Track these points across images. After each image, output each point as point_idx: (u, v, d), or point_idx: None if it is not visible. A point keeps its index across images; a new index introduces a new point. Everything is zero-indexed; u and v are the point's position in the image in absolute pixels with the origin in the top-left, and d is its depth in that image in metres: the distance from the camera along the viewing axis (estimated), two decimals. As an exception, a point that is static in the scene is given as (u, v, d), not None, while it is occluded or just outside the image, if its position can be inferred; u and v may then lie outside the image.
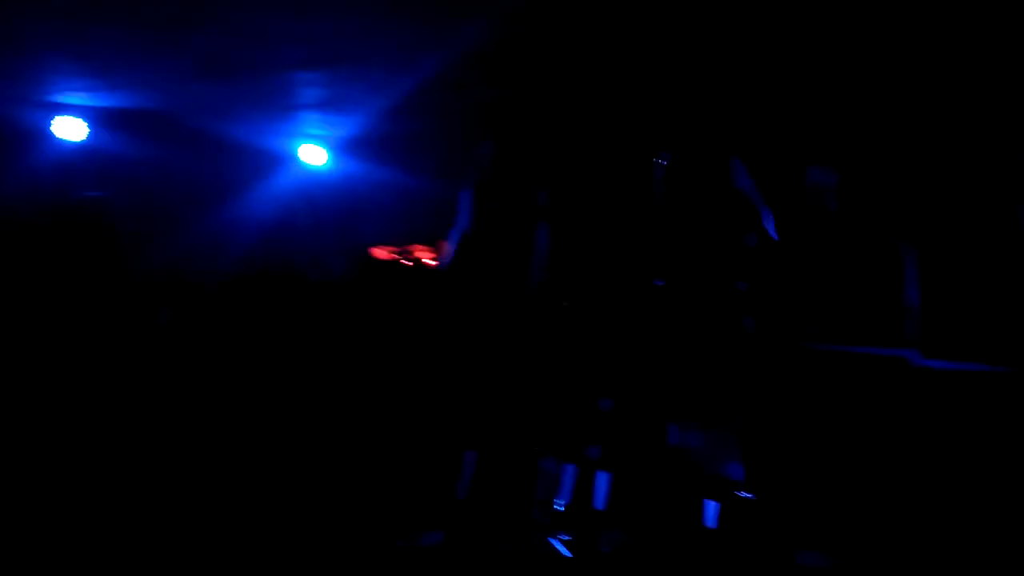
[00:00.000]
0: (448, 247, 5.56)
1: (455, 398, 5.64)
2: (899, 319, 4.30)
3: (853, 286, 4.42)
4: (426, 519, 3.85)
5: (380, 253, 6.99)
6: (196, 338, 6.14)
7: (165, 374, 5.79)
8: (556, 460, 4.01)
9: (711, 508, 3.91)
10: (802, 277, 4.57)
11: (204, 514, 4.13)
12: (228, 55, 4.95)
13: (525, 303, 5.35)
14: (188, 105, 6.23)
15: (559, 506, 3.87)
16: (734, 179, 4.96)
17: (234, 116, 6.58)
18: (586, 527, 3.72)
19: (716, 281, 5.05)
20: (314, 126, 7.04)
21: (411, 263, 6.76)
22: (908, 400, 4.03)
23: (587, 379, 5.78)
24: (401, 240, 7.13)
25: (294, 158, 7.36)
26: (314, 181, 7.17)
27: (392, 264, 6.92)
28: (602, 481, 4.10)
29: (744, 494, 3.96)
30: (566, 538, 3.55)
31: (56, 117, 6.08)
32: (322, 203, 6.15)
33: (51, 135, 6.13)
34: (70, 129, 6.15)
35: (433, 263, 5.72)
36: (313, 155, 7.31)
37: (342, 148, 7.40)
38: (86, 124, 6.18)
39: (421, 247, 6.74)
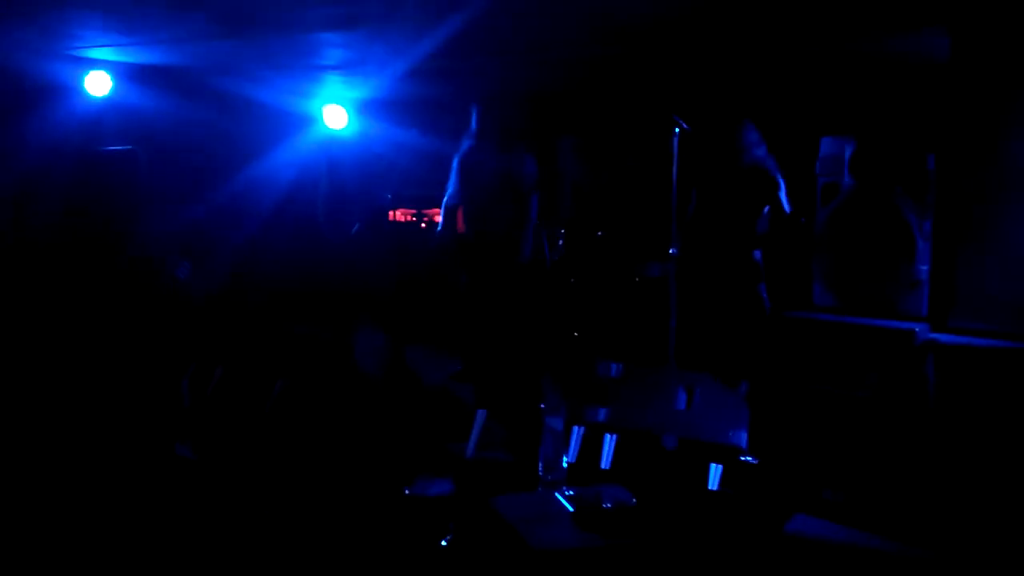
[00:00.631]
0: (440, 214, 5.62)
1: (466, 357, 5.75)
2: (908, 291, 4.32)
3: (864, 257, 4.44)
4: (435, 472, 3.95)
5: (397, 215, 7.07)
6: (215, 293, 6.23)
7: (184, 329, 5.89)
8: (564, 420, 4.09)
9: (714, 471, 3.98)
10: (814, 247, 4.60)
11: (214, 465, 4.25)
12: (253, 14, 4.98)
13: (523, 267, 5.40)
14: (212, 63, 6.28)
15: (565, 464, 3.96)
16: (749, 148, 4.98)
17: (257, 76, 6.62)
18: (590, 485, 3.81)
19: (730, 250, 5.10)
20: (336, 87, 7.08)
21: (427, 225, 6.84)
22: (915, 372, 4.06)
23: (595, 342, 5.86)
24: (418, 203, 7.20)
25: (316, 119, 7.41)
26: (334, 142, 7.22)
27: (409, 226, 7.00)
28: (609, 442, 4.18)
29: (748, 459, 4.02)
30: (570, 493, 3.63)
31: (88, 72, 6.15)
32: (342, 164, 6.21)
33: (78, 89, 6.20)
34: (96, 84, 6.21)
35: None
36: (335, 117, 7.36)
37: (363, 110, 7.44)
38: (112, 79, 6.24)
39: (438, 210, 6.80)
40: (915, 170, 4.32)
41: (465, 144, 5.65)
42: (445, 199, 5.67)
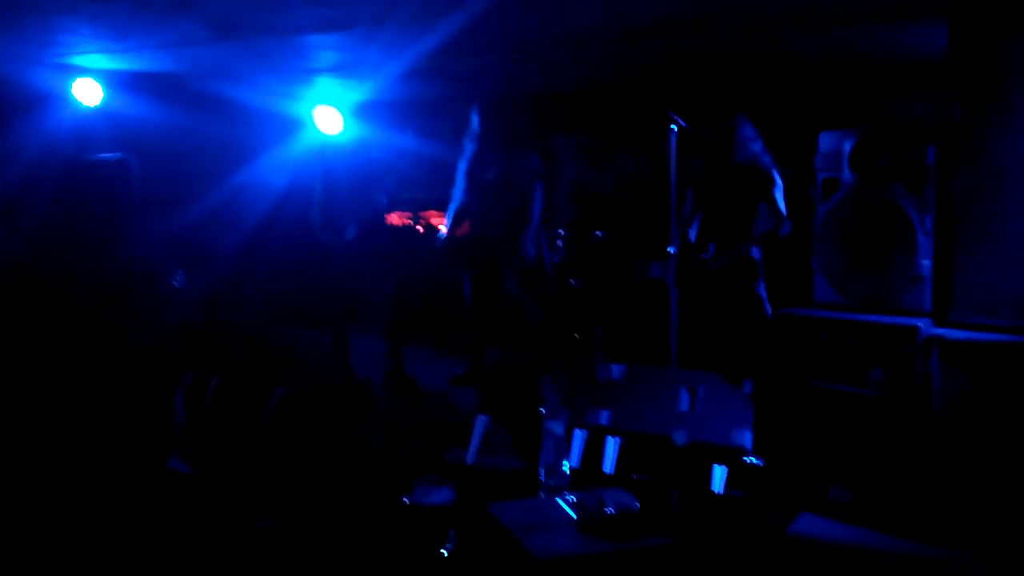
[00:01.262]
0: (445, 221, 5.59)
1: (465, 362, 5.72)
2: (911, 286, 4.28)
3: (865, 254, 4.40)
4: (435, 479, 3.90)
5: (394, 219, 7.03)
6: (210, 300, 6.20)
7: (179, 339, 5.85)
8: (565, 424, 4.05)
9: (719, 473, 3.94)
10: (814, 244, 4.55)
11: (212, 472, 4.21)
12: (243, 18, 4.95)
13: (525, 269, 5.38)
14: (204, 69, 6.25)
15: (567, 468, 3.91)
16: (743, 143, 4.95)
17: (249, 80, 6.59)
18: (593, 489, 3.76)
19: (730, 248, 5.06)
20: (329, 90, 7.04)
21: (424, 229, 6.80)
22: (919, 368, 4.02)
23: (596, 344, 5.82)
24: (415, 206, 7.16)
25: (309, 122, 7.37)
26: (328, 145, 7.18)
27: (406, 229, 6.96)
28: (611, 445, 4.14)
29: (752, 459, 3.98)
30: (572, 499, 3.58)
31: (75, 80, 6.11)
32: (337, 168, 6.18)
33: (68, 98, 6.16)
34: (87, 92, 6.17)
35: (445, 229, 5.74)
36: (329, 120, 7.32)
37: (357, 113, 7.40)
38: (102, 87, 6.20)
39: (435, 213, 6.76)
40: (915, 164, 4.27)
41: (468, 147, 5.62)
42: (452, 204, 5.65)
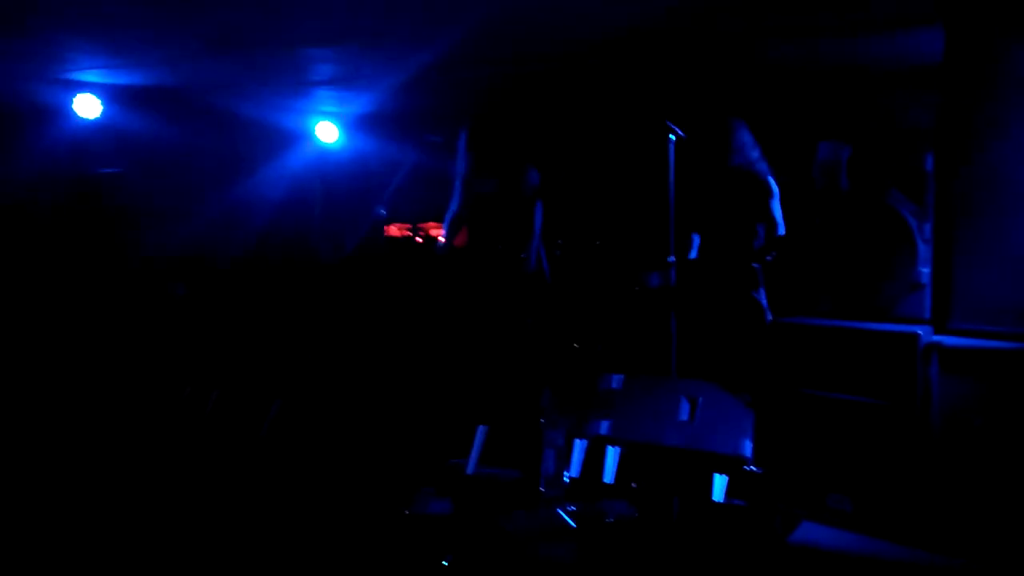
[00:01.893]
0: (443, 232, 5.60)
1: (464, 374, 5.71)
2: (910, 294, 4.28)
3: (864, 261, 4.40)
4: (436, 490, 3.90)
5: (393, 230, 7.04)
6: (210, 312, 6.20)
7: (178, 348, 5.85)
8: (565, 434, 4.04)
9: (719, 482, 3.93)
10: (813, 252, 4.55)
11: (216, 486, 4.20)
12: (241, 32, 4.96)
13: (525, 281, 5.38)
14: (202, 82, 6.26)
15: (567, 479, 3.91)
16: (740, 150, 4.96)
17: (248, 93, 6.61)
18: (593, 499, 3.75)
19: (728, 257, 5.07)
20: (327, 103, 7.06)
21: (423, 240, 6.80)
22: (919, 375, 4.01)
23: (596, 354, 5.82)
24: (414, 218, 7.17)
25: (307, 135, 7.39)
26: (327, 158, 7.22)
27: (405, 241, 6.96)
28: (611, 455, 4.13)
29: (752, 468, 3.97)
30: (572, 509, 3.58)
31: (76, 95, 6.13)
32: (335, 180, 6.19)
33: (67, 113, 6.18)
34: (86, 106, 6.20)
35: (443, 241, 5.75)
36: (326, 132, 7.34)
37: (355, 125, 7.42)
38: (101, 101, 6.22)
39: (434, 224, 6.77)
40: (913, 172, 4.28)
41: (466, 158, 5.62)
42: (448, 213, 5.65)
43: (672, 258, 4.94)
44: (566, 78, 6.13)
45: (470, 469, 4.21)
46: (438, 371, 5.62)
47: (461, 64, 5.56)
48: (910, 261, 4.27)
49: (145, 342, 5.84)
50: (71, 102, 6.14)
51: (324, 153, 7.24)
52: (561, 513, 3.58)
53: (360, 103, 6.82)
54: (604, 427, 4.27)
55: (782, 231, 4.91)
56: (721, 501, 3.85)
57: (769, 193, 4.94)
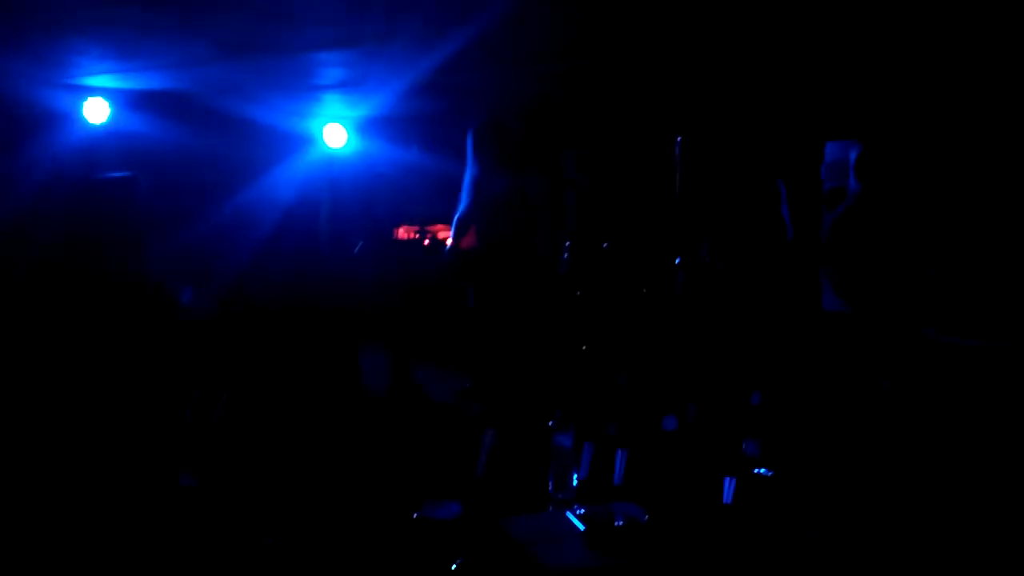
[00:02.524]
0: (450, 234, 5.60)
1: (475, 376, 5.72)
2: (917, 296, 4.28)
3: (872, 261, 4.41)
4: (444, 493, 3.90)
5: (400, 233, 7.05)
6: (218, 317, 6.21)
7: (188, 355, 5.87)
8: (573, 437, 4.04)
9: (728, 484, 3.93)
10: (819, 253, 4.56)
11: (222, 490, 4.22)
12: (251, 37, 4.99)
13: (533, 283, 5.38)
14: (211, 86, 6.30)
15: (575, 481, 3.90)
16: (748, 153, 4.97)
17: (256, 97, 6.64)
18: (601, 502, 3.75)
19: (736, 259, 5.07)
20: (336, 107, 7.09)
21: (430, 242, 6.82)
22: (926, 377, 4.02)
23: (604, 357, 5.82)
24: (421, 220, 7.18)
25: (316, 138, 7.41)
26: (335, 161, 7.24)
27: (413, 243, 6.98)
28: (619, 457, 4.13)
29: (761, 470, 3.97)
30: (581, 511, 3.58)
31: (85, 99, 6.17)
32: (343, 183, 6.21)
33: (77, 117, 6.22)
34: (95, 111, 6.23)
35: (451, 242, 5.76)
36: (335, 135, 7.36)
37: (363, 128, 7.45)
38: (110, 106, 6.26)
39: (442, 226, 6.78)
40: (920, 172, 4.29)
41: (475, 161, 5.62)
42: (456, 215, 5.66)
43: (679, 259, 4.95)
44: (574, 80, 6.14)
45: (478, 472, 4.22)
46: (448, 373, 5.63)
47: (467, 67, 5.57)
48: (916, 261, 4.28)
49: (152, 346, 5.86)
50: (80, 107, 6.17)
51: (332, 156, 7.26)
52: (570, 516, 3.58)
53: (369, 106, 6.84)
54: (612, 429, 4.28)
55: (790, 233, 4.91)
56: (730, 503, 3.86)
57: (777, 193, 4.94)
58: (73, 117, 6.21)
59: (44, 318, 5.75)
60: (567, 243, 6.29)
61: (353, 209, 6.06)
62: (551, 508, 3.71)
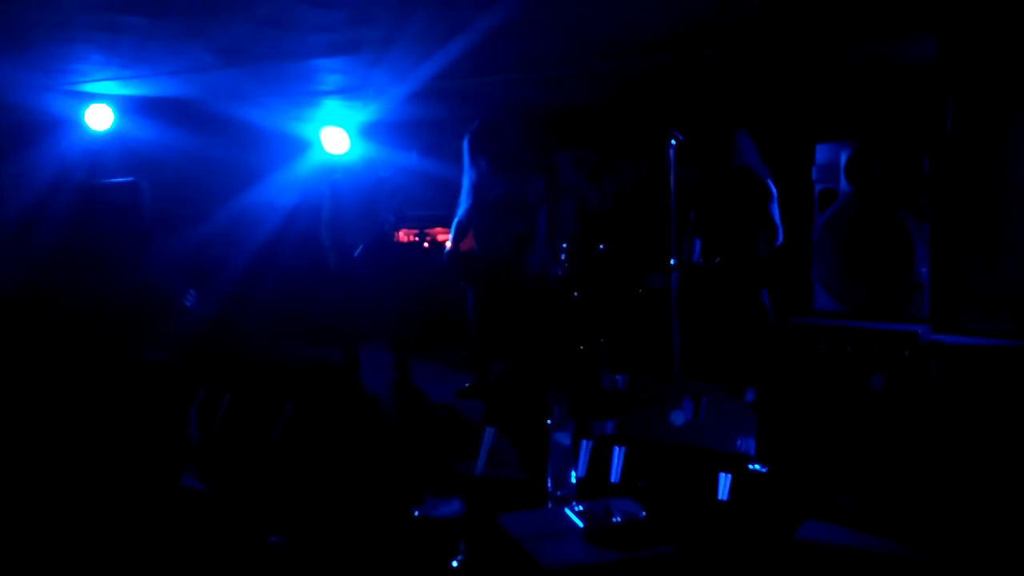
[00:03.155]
0: (450, 237, 5.66)
1: (472, 375, 5.77)
2: (909, 294, 4.34)
3: (864, 262, 4.46)
4: (444, 491, 3.96)
5: (401, 236, 7.11)
6: (221, 319, 6.26)
7: (191, 357, 5.91)
8: (572, 435, 4.10)
9: (724, 480, 3.99)
10: (813, 254, 4.61)
11: (225, 487, 4.26)
12: (252, 44, 5.04)
13: (530, 284, 5.43)
14: (212, 92, 6.34)
15: (573, 479, 3.96)
16: (740, 154, 5.01)
17: (258, 103, 6.69)
18: (599, 499, 3.81)
19: (730, 259, 5.12)
20: (336, 112, 7.14)
21: (430, 245, 6.88)
22: (919, 374, 4.07)
23: (600, 356, 5.87)
24: (421, 223, 7.25)
25: (316, 143, 7.46)
26: (337, 165, 7.29)
27: (413, 246, 7.04)
28: (617, 455, 4.19)
29: (756, 467, 4.02)
30: (579, 508, 3.64)
31: (88, 106, 6.21)
32: (344, 186, 6.27)
33: (80, 123, 6.26)
34: (99, 117, 6.28)
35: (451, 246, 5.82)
36: (335, 140, 7.41)
37: (363, 133, 7.50)
38: (113, 112, 6.31)
39: (441, 229, 6.84)
40: (911, 173, 4.34)
41: (473, 165, 5.68)
42: (456, 218, 5.72)
43: (674, 260, 5.00)
44: (570, 84, 6.20)
45: (478, 470, 4.28)
46: (445, 373, 5.68)
47: (466, 73, 5.63)
48: (909, 261, 4.33)
49: (155, 350, 5.90)
50: (83, 113, 6.22)
51: (333, 161, 7.32)
52: (568, 513, 3.64)
53: (369, 111, 6.89)
54: (609, 427, 4.33)
55: (781, 234, 4.97)
56: (726, 499, 3.91)
57: (769, 196, 5.00)
58: (76, 123, 6.25)
59: (46, 322, 5.81)
60: (563, 245, 6.34)
61: (354, 212, 6.11)
62: (550, 505, 3.78)
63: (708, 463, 4.01)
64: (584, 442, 4.23)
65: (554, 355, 5.80)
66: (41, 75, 5.71)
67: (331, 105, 6.86)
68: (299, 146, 7.53)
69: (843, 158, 4.50)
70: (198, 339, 6.23)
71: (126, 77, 5.80)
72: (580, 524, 3.51)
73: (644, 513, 3.63)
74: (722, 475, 3.94)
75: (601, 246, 6.35)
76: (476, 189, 5.63)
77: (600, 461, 4.18)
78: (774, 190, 5.01)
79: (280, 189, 7.39)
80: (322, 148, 7.40)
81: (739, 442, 4.07)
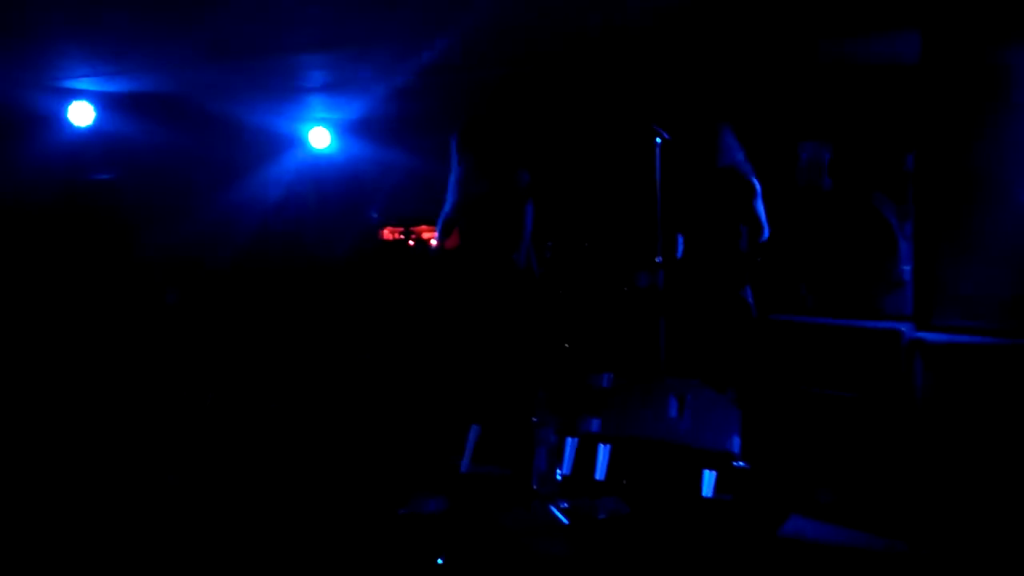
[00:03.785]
0: (436, 233, 5.65)
1: (458, 374, 5.76)
2: (892, 291, 4.36)
3: (847, 260, 4.48)
4: (430, 489, 3.96)
5: (386, 234, 7.09)
6: (203, 318, 6.23)
7: (172, 354, 5.88)
8: (557, 432, 4.11)
9: (708, 477, 4.00)
10: (797, 251, 4.63)
11: (212, 487, 4.25)
12: (235, 39, 5.00)
13: (516, 282, 5.43)
14: (196, 88, 6.29)
15: (559, 476, 3.97)
16: (725, 152, 5.03)
17: (241, 99, 6.64)
18: (584, 496, 3.82)
19: (714, 256, 5.14)
20: (320, 109, 7.10)
21: (415, 243, 6.86)
22: (901, 371, 4.09)
23: (586, 353, 5.88)
24: (406, 221, 7.22)
25: (300, 140, 7.43)
26: (320, 163, 7.26)
27: (397, 244, 7.02)
28: (602, 452, 4.20)
29: (740, 463, 4.04)
30: (565, 506, 3.65)
31: (70, 102, 6.15)
32: (328, 184, 6.24)
33: (61, 120, 6.20)
34: (79, 114, 6.22)
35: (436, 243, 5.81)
36: (319, 137, 7.39)
37: (347, 130, 7.47)
38: (94, 108, 6.25)
39: (426, 227, 6.83)
40: (894, 171, 4.36)
41: (458, 161, 5.67)
42: (442, 215, 5.71)
43: (659, 258, 5.02)
44: (555, 80, 6.19)
45: (464, 468, 4.28)
46: (431, 371, 5.68)
47: (452, 68, 5.61)
48: (892, 259, 4.35)
49: (139, 346, 5.87)
50: (65, 110, 6.16)
51: (317, 158, 7.28)
52: (554, 510, 3.64)
53: (353, 108, 6.85)
54: (594, 425, 4.35)
55: (766, 231, 4.99)
56: (710, 496, 3.93)
57: (753, 193, 5.02)
58: (58, 119, 6.19)
59: (31, 318, 5.77)
60: (548, 243, 6.34)
61: (338, 210, 6.09)
62: (535, 503, 3.78)
63: (693, 460, 4.03)
64: (569, 440, 4.24)
65: (539, 353, 5.81)
66: (22, 71, 5.65)
67: (315, 101, 6.83)
68: (283, 143, 7.49)
69: (827, 156, 4.52)
70: (181, 337, 6.20)
71: (108, 73, 5.75)
72: (565, 521, 3.52)
73: (628, 510, 3.65)
74: (706, 472, 3.96)
75: (586, 244, 6.36)
76: (461, 186, 5.62)
77: (585, 458, 4.20)
78: (758, 187, 5.04)
79: (264, 186, 7.34)
80: (306, 145, 7.37)
81: (723, 439, 4.09)
